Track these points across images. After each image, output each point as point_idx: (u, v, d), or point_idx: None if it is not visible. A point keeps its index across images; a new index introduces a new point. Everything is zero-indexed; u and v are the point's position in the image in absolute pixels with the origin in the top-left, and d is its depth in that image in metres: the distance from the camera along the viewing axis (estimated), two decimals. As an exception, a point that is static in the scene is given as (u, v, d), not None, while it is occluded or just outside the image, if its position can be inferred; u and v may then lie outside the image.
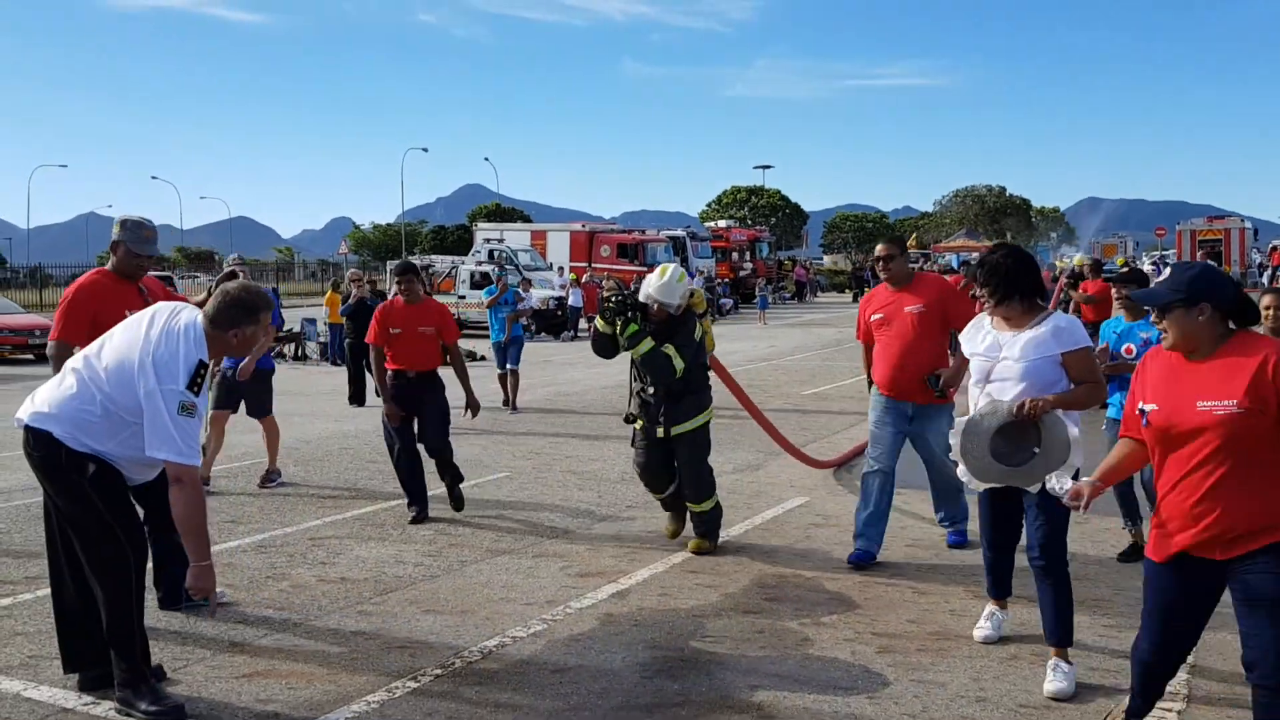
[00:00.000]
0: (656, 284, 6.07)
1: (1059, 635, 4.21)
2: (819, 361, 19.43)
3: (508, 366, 12.89)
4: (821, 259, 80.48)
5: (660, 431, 6.16)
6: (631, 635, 4.80)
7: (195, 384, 3.77)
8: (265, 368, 8.15)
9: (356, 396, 13.26)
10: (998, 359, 4.30)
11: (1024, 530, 4.41)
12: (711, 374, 6.67)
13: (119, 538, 3.87)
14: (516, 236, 37.23)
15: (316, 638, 4.77)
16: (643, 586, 5.57)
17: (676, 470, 6.26)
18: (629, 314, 6.04)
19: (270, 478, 8.18)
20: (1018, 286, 4.27)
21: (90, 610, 3.93)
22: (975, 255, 21.79)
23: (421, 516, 6.98)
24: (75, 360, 3.95)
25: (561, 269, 34.02)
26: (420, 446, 7.11)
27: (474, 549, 6.32)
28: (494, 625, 4.93)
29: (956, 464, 4.42)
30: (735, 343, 23.46)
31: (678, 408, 6.14)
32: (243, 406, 8.17)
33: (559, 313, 27.38)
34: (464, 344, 9.24)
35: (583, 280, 30.51)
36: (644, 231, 40.39)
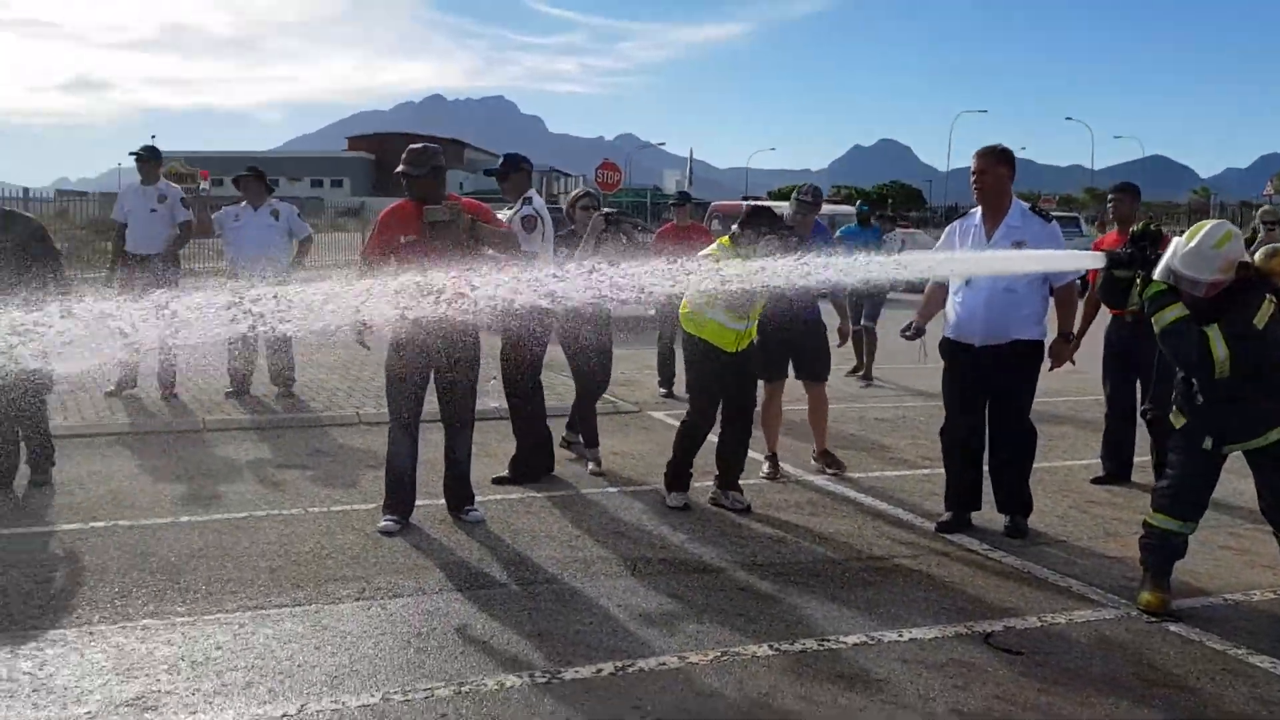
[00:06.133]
0: (1182, 248, 4.29)
1: None
2: None
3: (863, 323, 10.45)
4: None
5: (1209, 442, 4.34)
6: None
7: None
8: (811, 317, 6.56)
9: None
10: None
11: None
12: None
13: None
14: None
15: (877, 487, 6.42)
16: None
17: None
18: (1149, 269, 4.45)
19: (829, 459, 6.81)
20: None
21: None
22: None
23: None
24: None
25: None
26: None
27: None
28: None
29: None
30: None
31: (1249, 412, 4.27)
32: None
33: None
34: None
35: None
36: None
